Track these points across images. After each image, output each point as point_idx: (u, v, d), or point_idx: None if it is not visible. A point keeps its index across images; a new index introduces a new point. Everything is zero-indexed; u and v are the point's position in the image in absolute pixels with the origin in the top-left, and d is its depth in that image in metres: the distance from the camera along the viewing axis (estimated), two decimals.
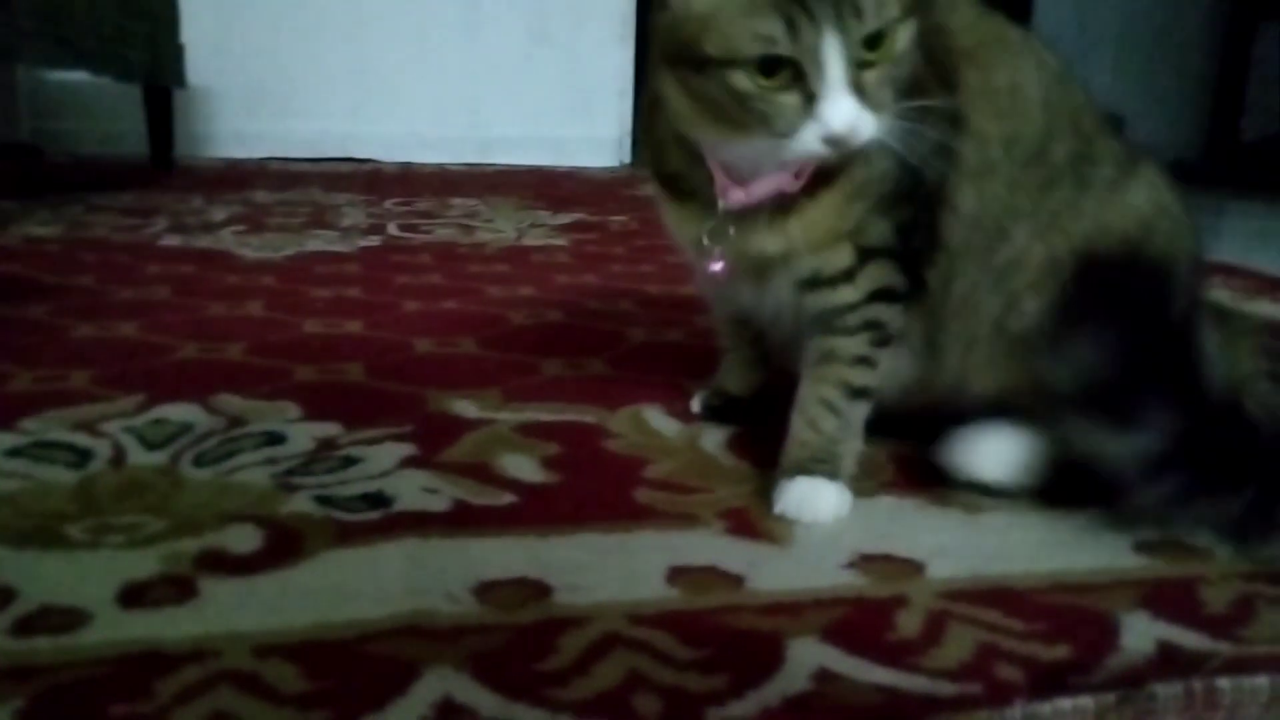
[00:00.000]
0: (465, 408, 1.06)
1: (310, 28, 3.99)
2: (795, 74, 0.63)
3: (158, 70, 3.12)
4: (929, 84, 0.73)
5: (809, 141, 0.65)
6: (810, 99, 0.64)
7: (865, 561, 0.72)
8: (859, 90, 0.64)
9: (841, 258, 0.77)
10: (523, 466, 0.90)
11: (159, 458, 0.87)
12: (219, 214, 2.44)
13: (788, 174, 0.74)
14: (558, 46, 4.27)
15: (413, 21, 4.11)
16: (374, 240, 2.16)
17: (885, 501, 0.83)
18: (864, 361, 0.80)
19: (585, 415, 1.04)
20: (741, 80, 0.63)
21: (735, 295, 0.88)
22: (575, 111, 4.38)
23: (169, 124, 3.37)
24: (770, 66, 0.63)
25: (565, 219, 2.64)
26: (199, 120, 3.91)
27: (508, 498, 0.83)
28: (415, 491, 0.82)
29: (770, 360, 0.99)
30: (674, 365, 1.25)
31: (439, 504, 0.80)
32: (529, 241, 2.24)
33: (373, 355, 1.24)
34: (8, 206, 2.44)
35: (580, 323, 1.47)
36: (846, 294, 0.79)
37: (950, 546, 0.75)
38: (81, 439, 0.91)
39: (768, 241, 0.77)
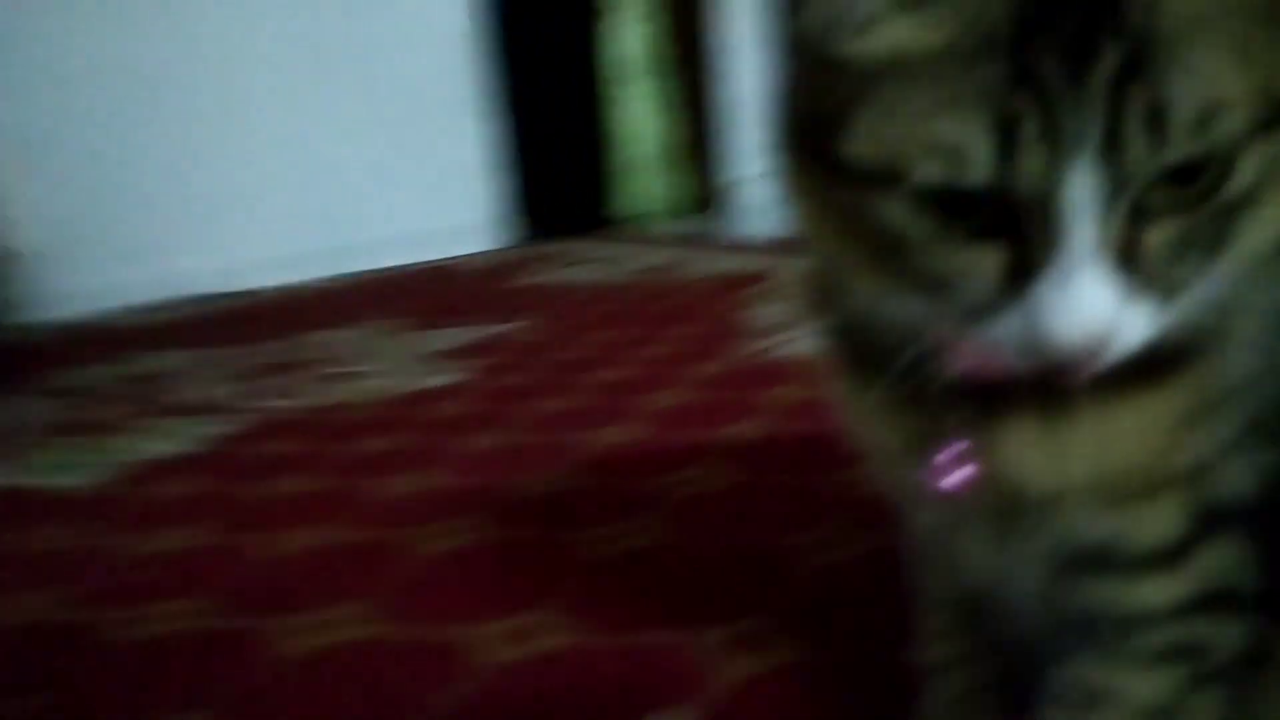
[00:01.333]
0: None
1: (124, 158, 3.50)
2: (1002, 218, 0.33)
3: None
4: None
5: (1006, 337, 0.34)
6: (1025, 270, 0.33)
7: None
8: (1128, 262, 0.32)
9: (1161, 519, 0.42)
10: None
11: None
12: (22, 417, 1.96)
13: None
14: (405, 132, 3.88)
15: (245, 130, 3.65)
16: (230, 426, 1.70)
17: None
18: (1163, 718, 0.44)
19: None
20: (897, 212, 0.34)
21: (958, 551, 0.50)
22: (432, 199, 3.99)
23: None
24: (953, 203, 0.33)
25: (458, 338, 2.23)
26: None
27: None
28: None
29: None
30: (719, 606, 0.87)
31: None
32: (410, 385, 1.82)
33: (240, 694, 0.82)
34: None
35: (521, 534, 1.07)
36: (1160, 589, 0.43)
37: None
38: None
39: (1028, 462, 0.42)
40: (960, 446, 0.43)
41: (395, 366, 2.01)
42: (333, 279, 3.64)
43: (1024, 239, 0.33)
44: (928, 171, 0.33)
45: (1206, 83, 0.31)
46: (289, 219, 3.74)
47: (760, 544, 0.94)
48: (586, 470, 1.23)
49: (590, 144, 4.76)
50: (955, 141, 0.32)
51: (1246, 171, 0.33)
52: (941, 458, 0.43)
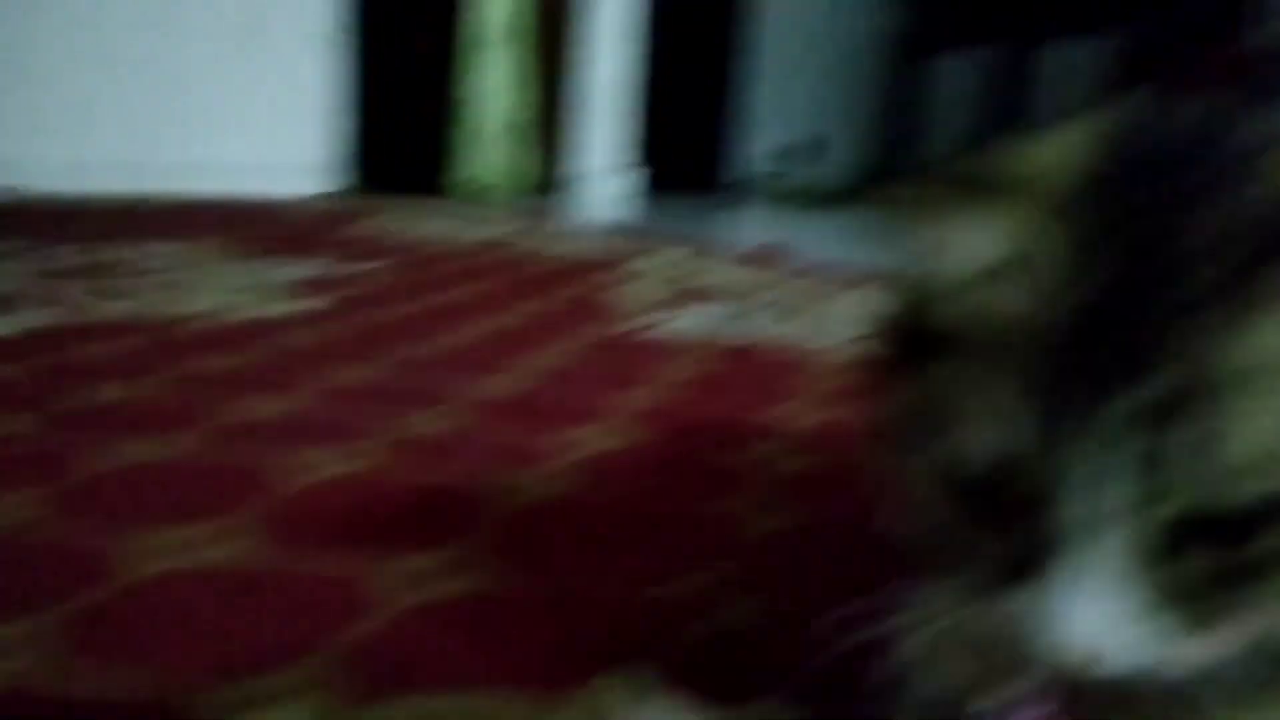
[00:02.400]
0: None
1: None
2: (1016, 514, 0.31)
3: None
4: None
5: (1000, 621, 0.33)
6: (1032, 559, 0.32)
7: None
8: (1164, 592, 0.31)
9: None
10: None
11: None
12: None
13: None
14: (254, 59, 3.60)
15: (86, 22, 3.30)
16: (45, 317, 1.50)
17: None
18: None
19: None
20: (919, 473, 0.34)
21: None
22: (267, 132, 3.73)
23: None
24: (972, 488, 0.32)
25: (302, 270, 2.07)
26: None
27: None
28: None
29: None
30: (612, 538, 0.79)
31: None
32: (257, 311, 1.66)
33: (71, 588, 0.68)
34: None
35: (390, 474, 0.96)
36: None
37: None
38: None
39: None
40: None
41: (236, 289, 1.83)
42: (168, 195, 3.33)
43: (1036, 530, 0.31)
44: (949, 448, 0.32)
45: (1262, 430, 0.29)
46: (129, 128, 3.41)
47: (660, 504, 0.88)
48: (465, 416, 1.13)
49: (440, 104, 4.58)
50: (986, 438, 0.31)
51: None
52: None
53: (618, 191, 4.88)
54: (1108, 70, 5.45)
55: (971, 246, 0.32)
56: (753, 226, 4.02)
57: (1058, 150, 0.33)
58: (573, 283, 2.12)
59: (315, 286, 1.90)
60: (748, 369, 1.41)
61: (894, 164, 6.57)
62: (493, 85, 4.65)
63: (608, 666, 0.60)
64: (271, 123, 3.73)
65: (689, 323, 1.70)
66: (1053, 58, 5.68)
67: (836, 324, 1.74)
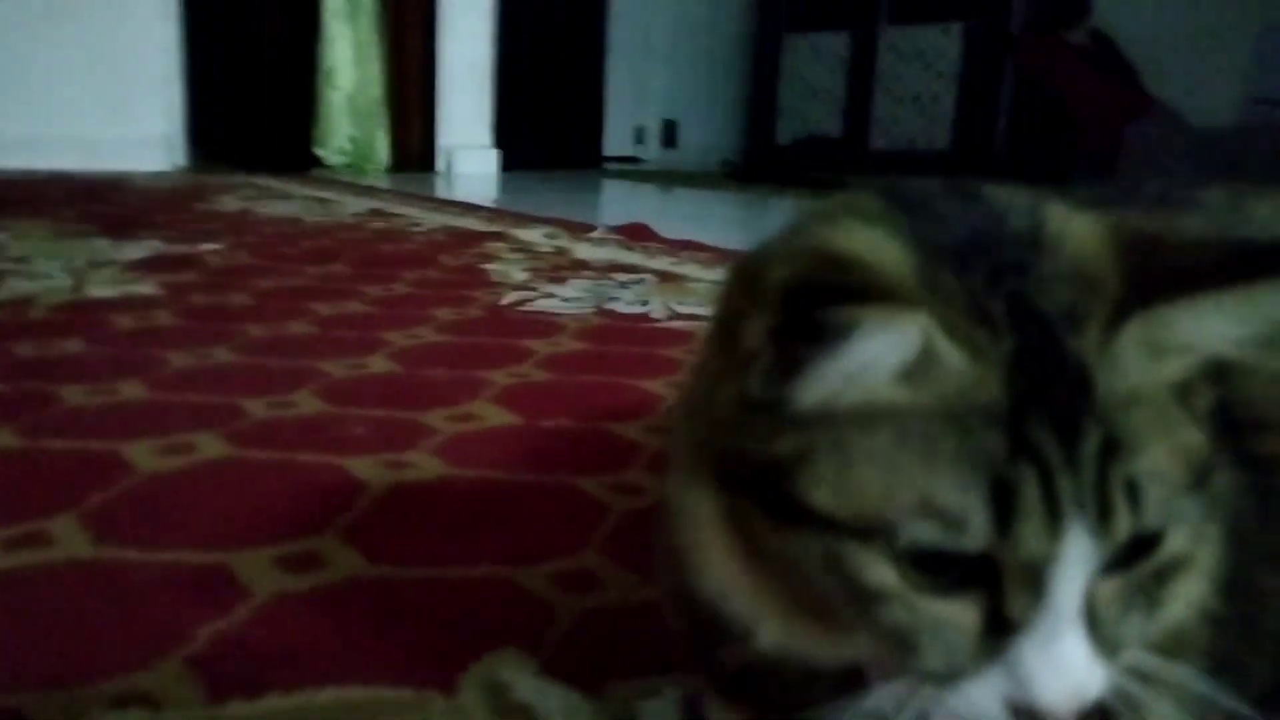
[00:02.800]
0: None
1: None
2: (979, 573, 0.32)
3: None
4: None
5: (982, 701, 0.33)
6: (1002, 628, 0.33)
7: None
8: (1091, 619, 0.33)
9: None
10: None
11: None
12: None
13: None
14: (82, 23, 3.37)
15: None
16: None
17: None
18: None
19: (403, 714, 0.53)
20: (876, 569, 0.32)
21: None
22: (108, 105, 3.51)
23: None
24: (937, 560, 0.32)
25: (137, 251, 1.95)
26: None
27: None
28: None
29: None
30: (476, 525, 0.76)
31: None
32: (98, 291, 1.56)
33: None
34: None
35: (262, 457, 0.91)
36: None
37: None
38: None
39: None
40: None
41: (70, 270, 1.71)
42: None
43: (1004, 596, 0.32)
44: (919, 531, 0.31)
45: (1157, 458, 0.32)
46: None
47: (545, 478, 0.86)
48: (318, 391, 1.08)
49: (296, 78, 4.40)
50: (954, 506, 0.31)
51: (1177, 535, 0.34)
52: None
53: (478, 168, 4.79)
54: (954, 53, 5.65)
55: (878, 348, 0.31)
56: (612, 205, 4.01)
57: (882, 250, 0.33)
58: (438, 260, 2.06)
59: (155, 266, 1.80)
60: (622, 342, 1.39)
61: (747, 147, 6.67)
62: (340, 60, 4.50)
63: (484, 649, 0.58)
64: (115, 96, 3.51)
65: (565, 298, 1.68)
66: (899, 41, 5.85)
67: (708, 298, 1.74)
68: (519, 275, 1.90)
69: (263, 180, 3.63)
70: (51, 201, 2.55)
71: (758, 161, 6.40)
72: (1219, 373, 0.36)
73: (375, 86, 4.60)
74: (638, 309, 1.62)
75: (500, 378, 1.18)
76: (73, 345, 1.24)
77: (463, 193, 3.75)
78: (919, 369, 0.32)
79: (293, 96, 4.42)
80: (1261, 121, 4.50)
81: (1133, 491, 0.32)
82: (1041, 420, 0.31)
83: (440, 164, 4.81)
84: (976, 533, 0.31)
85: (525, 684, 0.55)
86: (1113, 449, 0.32)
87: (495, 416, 1.04)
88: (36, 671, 0.55)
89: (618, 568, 0.70)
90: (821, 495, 0.32)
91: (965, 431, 0.31)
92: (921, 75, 5.81)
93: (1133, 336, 0.33)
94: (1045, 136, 5.27)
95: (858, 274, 0.32)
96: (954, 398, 0.32)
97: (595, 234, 2.55)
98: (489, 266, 1.99)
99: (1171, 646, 0.37)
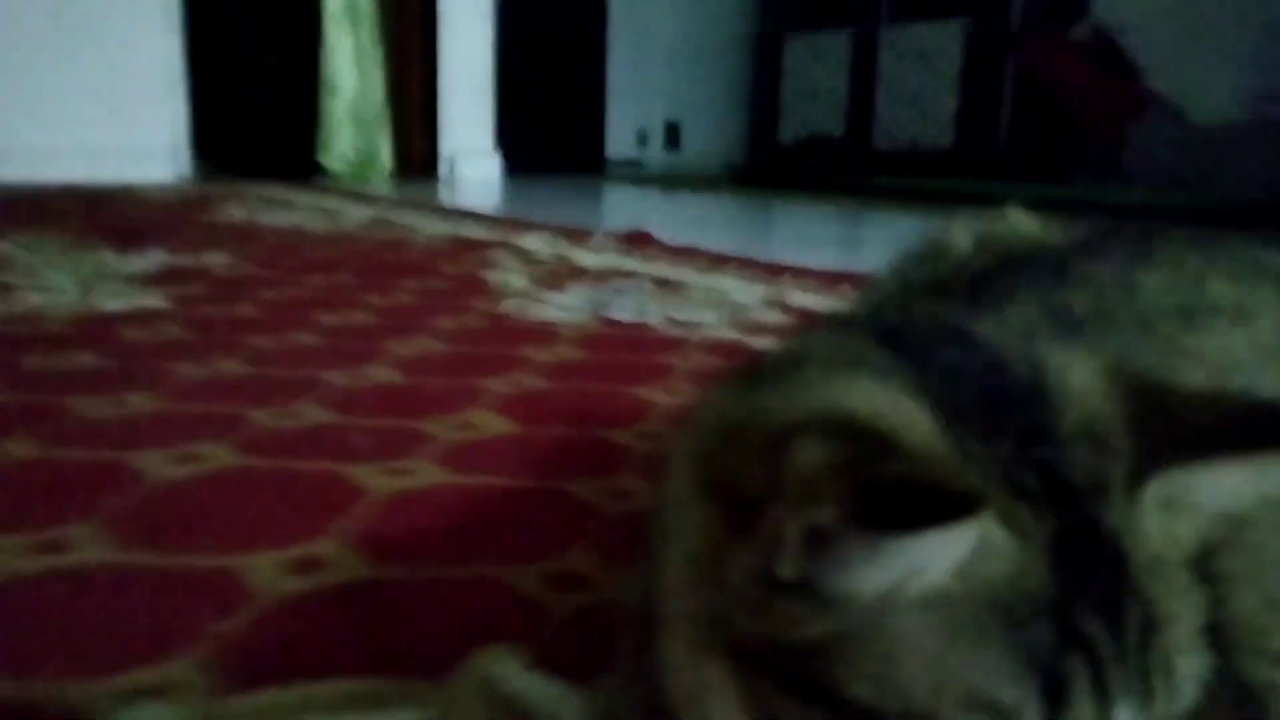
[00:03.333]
0: None
1: None
2: None
3: None
4: None
5: None
6: None
7: None
8: None
9: None
10: None
11: None
12: None
13: None
14: (86, 36, 3.42)
15: None
16: None
17: None
18: None
19: (401, 707, 0.57)
20: None
21: None
22: (112, 115, 3.56)
23: None
24: None
25: (144, 263, 1.99)
26: None
27: None
28: None
29: None
30: (473, 530, 0.80)
31: None
32: (106, 304, 1.60)
33: None
34: None
35: (267, 465, 0.95)
36: None
37: None
38: None
39: None
40: None
41: (79, 284, 1.75)
42: (4, 183, 3.14)
43: None
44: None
45: (1185, 632, 0.33)
46: None
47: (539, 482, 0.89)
48: (319, 401, 1.12)
49: (298, 86, 4.45)
50: (1006, 700, 0.30)
51: (1198, 696, 0.34)
52: None
53: (480, 173, 4.83)
54: (955, 51, 5.66)
55: (941, 551, 0.30)
56: (614, 210, 4.04)
57: (910, 421, 0.32)
58: (439, 268, 2.10)
59: (162, 279, 1.84)
60: (618, 350, 1.43)
61: (750, 148, 6.69)
62: (341, 68, 4.54)
63: (480, 645, 0.62)
64: (120, 107, 3.56)
65: (564, 305, 1.72)
66: (900, 39, 5.87)
67: (706, 305, 1.78)
68: (518, 283, 1.93)
69: (267, 189, 3.67)
70: (58, 213, 2.59)
71: (761, 163, 6.41)
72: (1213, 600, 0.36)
73: (377, 93, 4.65)
74: (635, 317, 1.66)
75: (498, 386, 1.21)
76: (83, 358, 1.28)
77: (466, 198, 3.79)
78: (971, 558, 0.31)
79: (295, 105, 4.46)
80: (1262, 117, 4.50)
81: (1169, 669, 0.32)
82: (1088, 607, 0.31)
83: (443, 170, 4.84)
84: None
85: (515, 676, 0.58)
86: (1149, 628, 0.32)
87: (493, 424, 1.07)
88: (54, 666, 0.59)
89: (606, 568, 0.74)
90: (863, 688, 0.31)
91: (1014, 622, 0.30)
92: (923, 74, 5.82)
93: (1152, 501, 0.33)
94: (1047, 134, 5.28)
95: (909, 464, 0.30)
96: (1002, 586, 0.31)
97: (594, 240, 2.59)
98: (489, 274, 2.03)
99: None
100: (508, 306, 1.70)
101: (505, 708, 0.56)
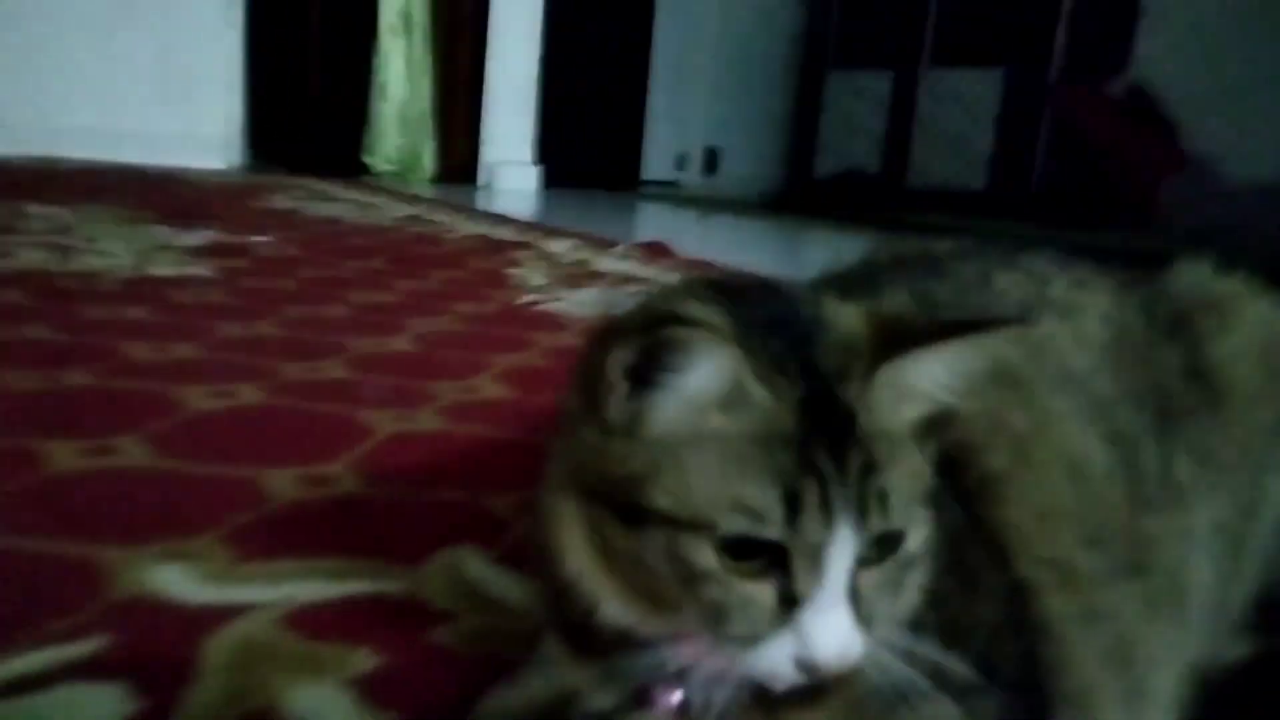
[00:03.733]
0: (177, 582, 0.66)
1: None
2: (776, 561, 0.44)
3: None
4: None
5: (776, 659, 0.44)
6: (791, 602, 0.44)
7: None
8: (855, 599, 0.45)
9: None
10: (333, 709, 0.54)
11: None
12: None
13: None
14: (152, 27, 3.61)
15: None
16: None
17: None
18: None
19: (383, 580, 0.69)
20: (702, 554, 0.43)
21: None
22: (173, 103, 3.74)
23: None
24: (745, 547, 0.43)
25: (196, 239, 2.14)
26: None
27: None
28: None
29: None
30: (461, 466, 0.92)
31: None
32: (158, 270, 1.75)
33: None
34: None
35: (291, 405, 1.08)
36: None
37: None
38: None
39: None
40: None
41: (133, 252, 1.90)
42: (71, 161, 3.33)
43: (794, 578, 0.43)
44: (732, 524, 0.42)
45: (900, 478, 0.45)
46: (38, 94, 3.41)
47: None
48: (346, 362, 1.25)
49: (350, 89, 4.64)
50: (758, 505, 0.42)
51: (914, 537, 0.46)
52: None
53: (519, 184, 4.99)
54: (993, 98, 5.75)
55: (705, 375, 0.43)
56: (648, 226, 4.17)
57: (711, 315, 0.44)
58: (466, 263, 2.24)
59: (211, 253, 1.98)
60: None
61: (786, 177, 6.81)
62: (393, 74, 4.72)
63: (448, 545, 0.74)
64: (179, 96, 3.74)
65: (577, 301, 1.84)
66: (939, 83, 5.97)
67: None
68: (538, 280, 2.06)
69: (313, 183, 3.84)
70: (117, 190, 2.76)
71: (796, 192, 6.51)
72: (940, 422, 0.49)
73: (424, 100, 4.82)
74: None
75: (504, 361, 1.34)
76: (135, 312, 1.42)
77: (502, 206, 3.94)
78: (735, 402, 0.44)
79: (346, 106, 4.65)
80: None
81: (882, 499, 0.43)
82: (821, 446, 0.43)
83: (483, 178, 5.01)
84: (774, 524, 0.42)
85: (477, 567, 0.71)
86: (869, 468, 0.43)
87: (493, 390, 1.20)
88: (104, 537, 0.72)
89: None
90: (664, 500, 0.43)
91: (768, 453, 0.43)
92: (960, 117, 5.91)
93: (882, 385, 0.45)
94: (1082, 184, 5.35)
95: (692, 321, 0.43)
96: (760, 428, 0.43)
97: (617, 249, 2.71)
98: (512, 271, 2.16)
99: (913, 625, 0.49)
100: (524, 299, 1.83)
101: (465, 586, 0.68)
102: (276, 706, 0.54)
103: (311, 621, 0.63)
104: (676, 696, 0.49)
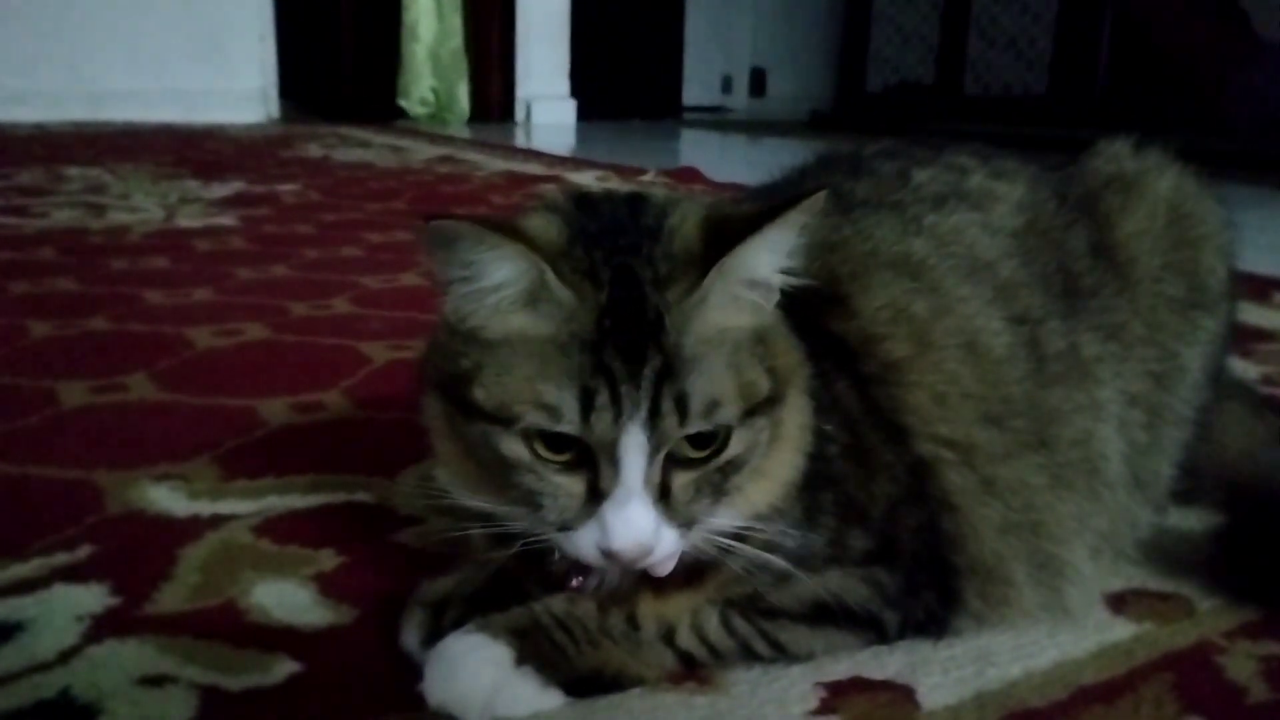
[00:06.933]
0: (166, 499, 0.72)
1: None
2: (586, 458, 0.48)
3: None
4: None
5: (583, 545, 0.49)
6: (596, 494, 0.48)
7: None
8: (664, 497, 0.48)
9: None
10: (291, 601, 0.59)
11: None
12: None
13: None
14: None
15: None
16: None
17: None
18: None
19: (356, 491, 0.74)
20: (512, 445, 0.48)
21: None
22: (207, 60, 3.80)
23: None
24: (555, 441, 0.47)
25: (223, 190, 2.20)
26: None
27: (285, 667, 0.53)
28: (128, 687, 0.50)
29: None
30: None
31: (177, 708, 0.49)
32: (185, 222, 1.81)
33: None
34: None
35: (295, 340, 1.14)
36: None
37: None
38: None
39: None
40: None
41: (163, 205, 1.97)
42: (96, 123, 3.43)
43: (598, 473, 0.47)
44: (534, 419, 0.46)
45: (711, 384, 0.47)
46: (69, 56, 3.49)
47: None
48: (353, 299, 1.30)
49: (380, 32, 4.65)
50: (554, 402, 0.46)
51: (737, 444, 0.49)
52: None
53: (556, 118, 4.99)
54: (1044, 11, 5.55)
55: (504, 274, 0.46)
56: (690, 153, 4.16)
57: (543, 226, 0.49)
58: (489, 199, 2.27)
59: (236, 203, 2.04)
60: None
61: (836, 95, 6.68)
62: (422, 14, 4.71)
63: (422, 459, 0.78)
64: (213, 52, 3.80)
65: None
66: None
67: None
68: None
69: (346, 130, 3.89)
70: (152, 149, 2.83)
71: (847, 109, 6.36)
72: (840, 313, 0.54)
73: (456, 38, 4.82)
74: None
75: None
76: (158, 262, 1.49)
77: (539, 142, 3.95)
78: (539, 302, 0.47)
79: (378, 50, 4.67)
80: None
81: (681, 402, 0.46)
82: (615, 349, 0.46)
83: (519, 114, 5.01)
84: (570, 422, 0.45)
85: (446, 474, 0.75)
86: (669, 373, 0.46)
87: None
88: (104, 463, 0.77)
89: None
90: (482, 395, 0.47)
91: (566, 354, 0.46)
92: (1018, 17, 5.71)
93: (715, 288, 0.47)
94: (1147, 81, 5.16)
95: (507, 230, 0.47)
96: (561, 329, 0.46)
97: (646, 176, 2.73)
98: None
99: (768, 515, 0.53)
100: None
101: (433, 497, 0.73)
102: (239, 600, 0.59)
103: (285, 529, 0.68)
104: (588, 578, 0.54)
